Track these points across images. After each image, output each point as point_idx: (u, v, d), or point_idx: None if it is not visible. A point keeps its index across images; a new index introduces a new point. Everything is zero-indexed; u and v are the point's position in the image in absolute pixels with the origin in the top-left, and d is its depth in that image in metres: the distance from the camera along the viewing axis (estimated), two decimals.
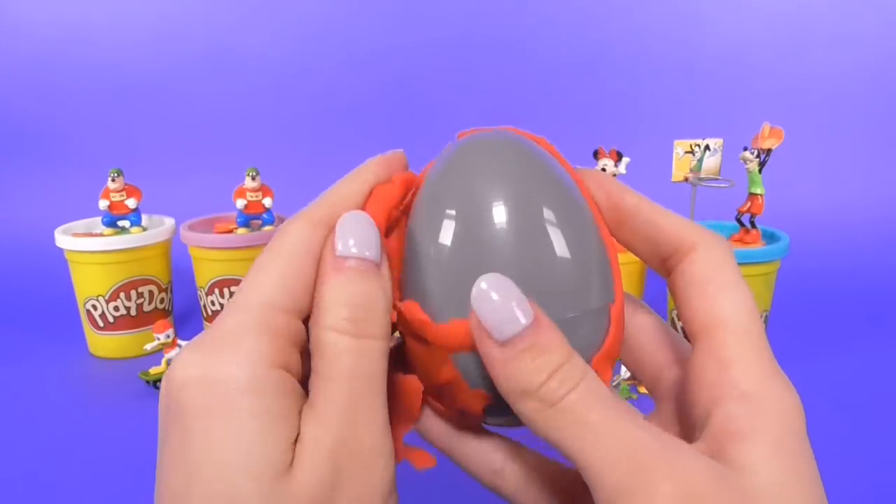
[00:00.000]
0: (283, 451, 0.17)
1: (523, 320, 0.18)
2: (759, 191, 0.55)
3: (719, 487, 0.17)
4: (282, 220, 0.67)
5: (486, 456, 0.24)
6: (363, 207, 0.22)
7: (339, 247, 0.20)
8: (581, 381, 0.18)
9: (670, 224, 0.22)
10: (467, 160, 0.23)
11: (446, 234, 0.21)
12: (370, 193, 0.23)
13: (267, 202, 0.64)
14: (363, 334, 0.19)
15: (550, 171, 0.22)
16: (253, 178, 0.63)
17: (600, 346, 0.21)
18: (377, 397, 0.19)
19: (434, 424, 0.25)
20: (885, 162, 0.93)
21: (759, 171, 0.55)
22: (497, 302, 0.18)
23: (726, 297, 0.20)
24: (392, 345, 0.22)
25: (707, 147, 0.57)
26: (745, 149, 0.55)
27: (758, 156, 0.54)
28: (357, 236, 0.20)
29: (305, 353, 0.20)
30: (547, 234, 0.21)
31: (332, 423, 0.18)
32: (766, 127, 0.54)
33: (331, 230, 0.21)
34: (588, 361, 0.20)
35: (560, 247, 0.21)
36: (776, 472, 0.18)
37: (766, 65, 0.93)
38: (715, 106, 0.93)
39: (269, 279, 0.20)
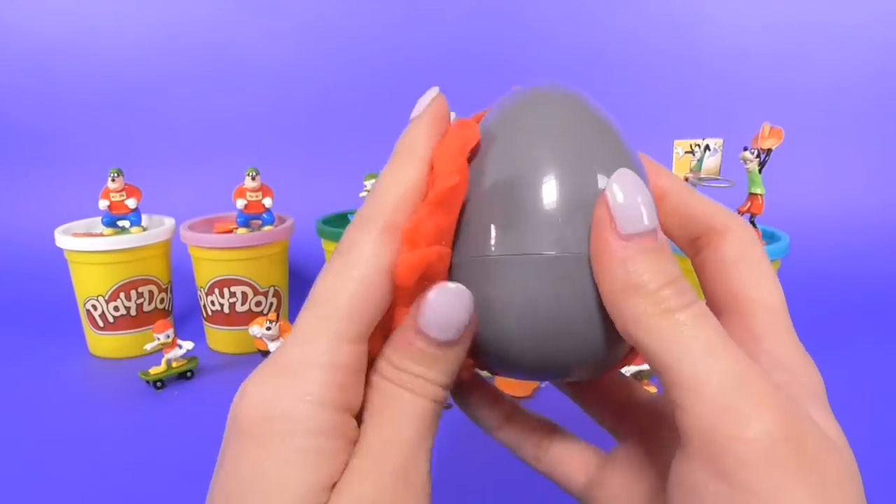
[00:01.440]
0: (323, 487, 0.18)
1: (652, 222, 0.18)
2: (759, 191, 0.55)
3: (815, 433, 0.17)
4: (282, 220, 0.67)
5: (529, 434, 0.26)
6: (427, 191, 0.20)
7: (434, 333, 0.19)
8: (696, 301, 0.18)
9: (704, 206, 0.23)
10: (531, 118, 0.22)
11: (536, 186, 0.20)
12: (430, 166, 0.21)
13: (267, 202, 0.64)
14: (419, 392, 0.19)
15: (615, 136, 0.22)
16: (253, 178, 0.63)
17: None
18: (423, 454, 0.19)
19: (484, 411, 0.26)
20: (885, 162, 0.93)
21: (759, 171, 0.55)
22: (631, 196, 0.18)
23: (757, 277, 0.21)
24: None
25: (707, 147, 0.57)
26: (745, 149, 0.55)
27: (758, 156, 0.54)
28: (449, 316, 0.19)
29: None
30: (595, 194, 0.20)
31: (379, 466, 0.18)
32: (766, 127, 0.54)
33: (401, 241, 0.19)
34: None
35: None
36: (831, 433, 0.18)
37: (766, 65, 0.93)
38: (715, 106, 0.93)
39: (338, 304, 0.19)
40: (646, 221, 0.18)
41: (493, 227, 0.20)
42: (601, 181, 0.20)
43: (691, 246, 0.23)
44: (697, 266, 0.23)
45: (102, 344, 0.64)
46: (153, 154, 0.92)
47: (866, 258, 0.84)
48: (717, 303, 0.22)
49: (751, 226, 0.23)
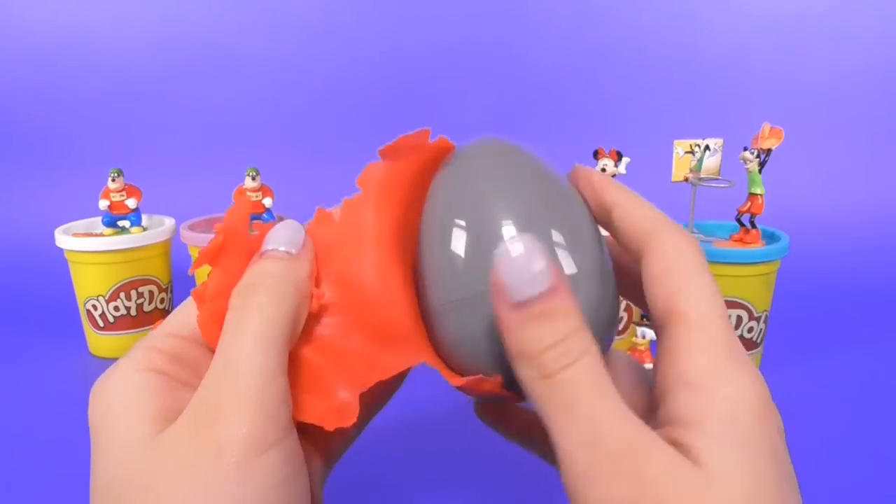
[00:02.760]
0: (153, 417, 0.20)
1: (540, 286, 0.18)
2: (759, 191, 0.55)
3: (673, 486, 0.17)
4: (282, 221, 0.67)
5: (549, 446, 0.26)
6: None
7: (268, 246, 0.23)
8: (580, 358, 0.18)
9: (638, 217, 0.22)
10: (477, 170, 0.24)
11: (458, 244, 0.22)
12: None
13: (267, 202, 0.64)
14: (274, 295, 0.21)
15: (557, 185, 0.23)
16: (253, 178, 0.63)
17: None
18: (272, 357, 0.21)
19: (503, 427, 0.27)
20: (885, 162, 0.93)
21: (759, 171, 0.55)
22: (518, 263, 0.18)
23: (684, 287, 0.20)
24: None
25: (707, 147, 0.57)
26: (745, 149, 0.55)
27: (758, 156, 0.54)
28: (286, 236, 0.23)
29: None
30: (555, 256, 0.22)
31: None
32: (766, 127, 0.54)
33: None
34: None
35: (568, 267, 0.22)
36: (725, 462, 0.17)
37: (766, 65, 0.93)
38: (715, 106, 0.93)
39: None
40: (532, 290, 0.18)
41: (427, 279, 0.23)
42: (505, 227, 0.22)
43: (636, 258, 0.23)
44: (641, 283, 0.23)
45: (102, 344, 0.64)
46: (153, 154, 0.92)
47: (866, 258, 0.84)
48: (655, 319, 0.21)
49: (683, 229, 0.22)
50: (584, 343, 0.19)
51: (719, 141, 0.58)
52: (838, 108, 0.93)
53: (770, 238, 0.58)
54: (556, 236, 0.22)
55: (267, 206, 0.64)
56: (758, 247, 0.55)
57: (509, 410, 0.26)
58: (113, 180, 0.62)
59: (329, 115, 0.93)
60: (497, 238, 0.21)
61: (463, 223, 0.22)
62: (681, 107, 0.93)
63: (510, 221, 0.22)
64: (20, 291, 0.79)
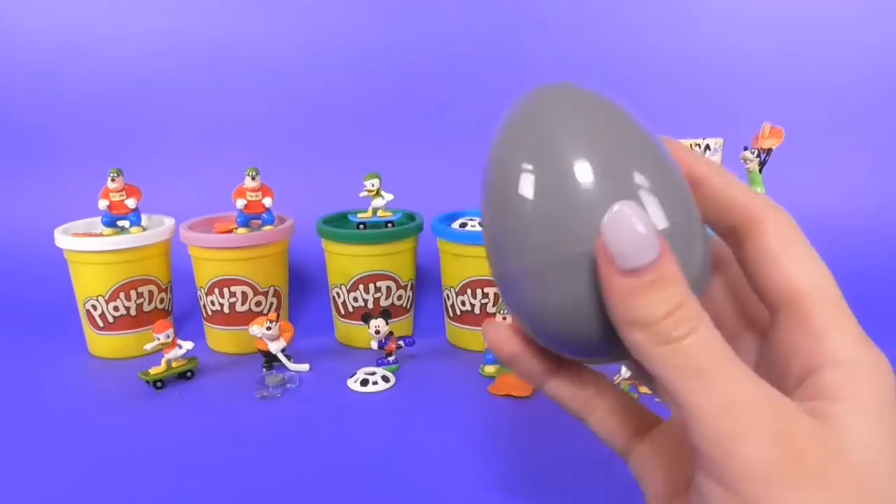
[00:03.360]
0: None
1: (650, 255, 0.18)
2: (759, 191, 0.55)
3: (819, 447, 0.17)
4: (282, 220, 0.67)
5: (578, 391, 0.25)
6: None
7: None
8: (699, 326, 0.18)
9: (740, 195, 0.23)
10: (547, 111, 0.22)
11: (527, 188, 0.21)
12: None
13: (267, 202, 0.64)
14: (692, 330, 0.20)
15: (639, 129, 0.22)
16: (253, 178, 0.63)
17: None
18: None
19: (532, 364, 0.25)
20: (885, 162, 0.93)
21: (760, 171, 0.55)
22: (627, 230, 0.18)
23: (804, 267, 0.21)
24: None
25: (707, 147, 0.57)
26: (746, 149, 0.55)
27: (758, 156, 0.54)
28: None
29: None
30: (640, 202, 0.20)
31: None
32: (766, 127, 0.54)
33: None
34: None
35: (656, 214, 0.20)
36: (874, 436, 0.18)
37: (766, 65, 0.93)
38: (715, 106, 0.93)
39: None
40: (642, 259, 0.18)
41: (500, 240, 0.22)
42: (593, 177, 0.20)
43: (730, 234, 0.23)
44: (740, 260, 0.23)
45: (102, 344, 0.64)
46: (153, 154, 0.92)
47: (866, 258, 0.84)
48: (767, 297, 0.22)
49: (787, 213, 0.22)
50: (698, 309, 0.19)
51: (719, 141, 0.58)
52: (838, 108, 0.93)
53: None
54: (644, 181, 0.20)
55: (267, 205, 0.64)
56: None
57: (585, 374, 0.26)
58: (113, 180, 0.62)
59: (329, 114, 0.93)
60: (585, 190, 0.20)
61: (540, 174, 0.20)
62: (681, 107, 0.93)
63: (596, 170, 0.20)
64: (20, 291, 0.79)
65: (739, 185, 0.23)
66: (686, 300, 0.19)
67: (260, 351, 0.59)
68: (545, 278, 0.20)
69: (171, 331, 0.57)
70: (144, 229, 0.63)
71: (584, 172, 0.20)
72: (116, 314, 0.63)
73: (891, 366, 0.20)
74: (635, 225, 0.18)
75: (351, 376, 0.57)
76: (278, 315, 0.60)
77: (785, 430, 0.17)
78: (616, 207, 0.19)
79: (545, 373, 0.25)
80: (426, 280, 0.75)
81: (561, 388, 0.25)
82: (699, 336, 0.18)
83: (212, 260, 0.63)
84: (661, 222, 0.20)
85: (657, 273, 0.18)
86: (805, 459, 0.17)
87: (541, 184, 0.20)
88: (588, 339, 0.21)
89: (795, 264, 0.21)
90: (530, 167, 0.21)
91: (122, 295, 0.63)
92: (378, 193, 0.65)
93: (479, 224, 0.21)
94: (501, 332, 0.25)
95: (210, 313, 0.65)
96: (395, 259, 0.65)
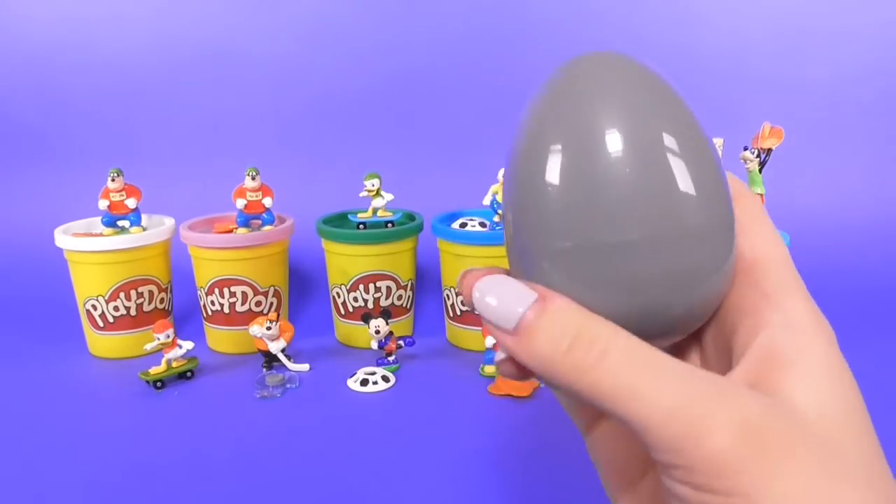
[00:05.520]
0: None
1: (525, 304, 0.19)
2: (759, 190, 0.55)
3: (778, 425, 0.17)
4: (282, 220, 0.67)
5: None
6: None
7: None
8: (609, 344, 0.18)
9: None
10: (574, 82, 0.21)
11: (553, 173, 0.20)
12: None
13: (267, 202, 0.64)
14: None
15: (669, 92, 0.21)
16: (253, 178, 0.63)
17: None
18: None
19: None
20: (885, 162, 0.93)
21: (759, 170, 0.55)
22: (495, 297, 0.19)
23: (763, 235, 0.21)
24: None
25: None
26: (746, 149, 0.55)
27: (758, 155, 0.54)
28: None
29: None
30: (669, 167, 0.19)
31: None
32: (766, 127, 0.54)
33: None
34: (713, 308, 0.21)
35: (684, 181, 0.19)
36: (830, 402, 0.18)
37: (766, 64, 0.93)
38: (715, 106, 0.93)
39: None
40: (520, 311, 0.19)
41: (526, 218, 0.20)
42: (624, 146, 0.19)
43: None
44: None
45: (102, 344, 0.64)
46: (153, 154, 0.92)
47: (866, 258, 0.84)
48: None
49: (751, 192, 0.23)
50: (603, 326, 0.19)
51: (719, 141, 0.58)
52: (838, 108, 0.93)
53: None
54: (670, 140, 0.19)
55: (267, 205, 0.64)
56: None
57: None
58: (113, 180, 0.62)
59: (329, 115, 0.93)
60: (619, 162, 0.19)
61: (570, 151, 0.19)
62: None
63: (613, 129, 0.19)
64: (20, 291, 0.79)
65: None
66: (583, 324, 0.19)
67: (260, 351, 0.59)
68: (574, 259, 0.19)
69: (171, 331, 0.57)
70: (144, 229, 0.63)
71: (619, 160, 0.19)
72: (116, 314, 0.63)
73: (833, 331, 0.20)
74: (499, 288, 0.19)
75: (351, 376, 0.57)
76: (278, 315, 0.60)
77: (739, 416, 0.17)
78: (475, 287, 0.20)
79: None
80: (426, 280, 0.75)
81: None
82: (614, 355, 0.18)
83: (212, 260, 0.63)
84: (695, 215, 0.19)
85: (541, 311, 0.19)
86: (768, 440, 0.17)
87: (567, 169, 0.20)
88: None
89: (754, 233, 0.21)
90: (559, 147, 0.20)
91: (122, 295, 0.63)
92: (378, 193, 0.65)
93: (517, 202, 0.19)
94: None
95: (210, 313, 0.65)
96: (394, 259, 0.65)
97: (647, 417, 0.17)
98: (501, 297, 0.19)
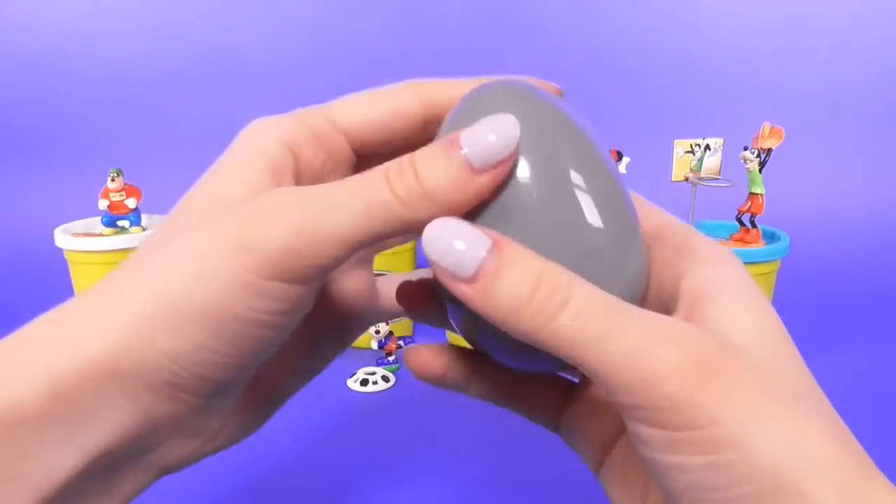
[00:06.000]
0: (266, 180, 0.21)
1: (482, 249, 0.18)
2: (759, 190, 0.55)
3: (724, 355, 0.18)
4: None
5: (500, 381, 0.26)
6: None
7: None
8: (572, 290, 0.18)
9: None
10: (486, 110, 0.21)
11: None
12: None
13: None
14: (401, 194, 0.19)
15: (576, 128, 0.22)
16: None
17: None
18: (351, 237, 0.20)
19: (460, 376, 0.26)
20: (885, 162, 0.93)
21: (760, 170, 0.55)
22: (449, 242, 0.18)
23: (654, 210, 0.24)
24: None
25: (707, 147, 0.57)
26: (745, 148, 0.55)
27: (758, 155, 0.55)
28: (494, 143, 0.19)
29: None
30: (576, 200, 0.20)
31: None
32: (766, 127, 0.54)
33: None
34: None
35: (591, 214, 0.20)
36: (751, 328, 0.19)
37: (766, 65, 0.93)
38: (715, 106, 0.93)
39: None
40: (478, 256, 0.18)
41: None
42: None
43: None
44: None
45: None
46: (153, 154, 0.92)
47: (866, 258, 0.84)
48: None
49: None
50: (563, 272, 0.18)
51: (719, 141, 0.58)
52: (838, 109, 0.94)
53: (770, 238, 0.58)
54: (576, 177, 0.20)
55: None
56: (758, 246, 0.55)
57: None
58: (112, 180, 0.62)
59: None
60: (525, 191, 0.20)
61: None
62: (681, 107, 0.93)
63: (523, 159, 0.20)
64: (20, 291, 0.79)
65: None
66: (544, 270, 0.18)
67: None
68: None
69: None
70: (144, 229, 0.63)
71: (522, 173, 0.20)
72: None
73: (742, 263, 0.21)
74: (452, 233, 0.18)
75: (351, 376, 0.57)
76: None
77: (694, 354, 0.17)
78: (427, 230, 0.18)
79: (469, 378, 0.26)
80: None
81: (483, 384, 0.26)
82: (577, 302, 0.18)
83: None
84: (597, 223, 0.20)
85: (500, 257, 0.18)
86: (720, 374, 0.17)
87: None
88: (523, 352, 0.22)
89: (651, 212, 0.23)
90: None
91: None
92: None
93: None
94: (422, 356, 0.25)
95: None
96: (395, 259, 0.65)
97: (609, 363, 0.18)
98: (455, 242, 0.18)
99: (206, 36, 0.93)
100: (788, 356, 0.19)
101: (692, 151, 0.57)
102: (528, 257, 0.18)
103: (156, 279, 0.19)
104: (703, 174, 0.57)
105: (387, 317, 0.29)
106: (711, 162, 0.57)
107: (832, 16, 0.92)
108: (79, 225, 0.67)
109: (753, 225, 0.57)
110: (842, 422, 0.19)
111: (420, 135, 0.24)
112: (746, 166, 0.55)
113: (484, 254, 0.18)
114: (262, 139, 0.22)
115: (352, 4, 0.93)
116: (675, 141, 0.57)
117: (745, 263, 0.54)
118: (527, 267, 0.18)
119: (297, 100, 0.99)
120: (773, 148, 0.54)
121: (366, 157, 0.25)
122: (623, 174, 0.57)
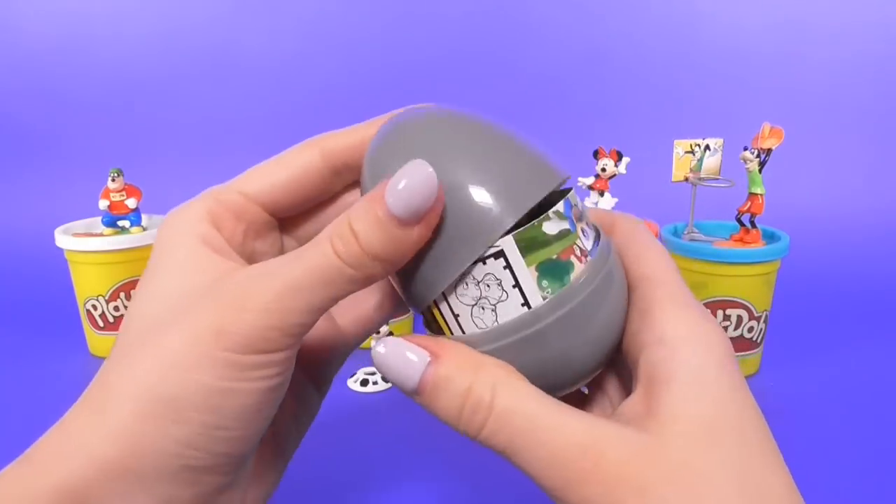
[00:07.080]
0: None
1: (420, 366, 0.20)
2: (759, 191, 0.55)
3: (642, 463, 0.18)
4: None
5: None
6: None
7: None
8: (497, 396, 0.20)
9: (596, 215, 0.26)
10: (404, 136, 0.23)
11: None
12: None
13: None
14: (342, 252, 0.20)
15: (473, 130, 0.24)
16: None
17: None
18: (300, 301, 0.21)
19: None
20: (885, 162, 0.93)
21: (759, 170, 0.55)
22: (394, 360, 0.21)
23: (643, 257, 0.23)
24: None
25: (707, 147, 0.57)
26: (745, 149, 0.55)
27: (758, 156, 0.54)
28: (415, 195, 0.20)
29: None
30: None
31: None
32: (766, 127, 0.54)
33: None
34: None
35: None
36: (691, 423, 0.19)
37: (766, 65, 0.93)
38: (715, 106, 0.93)
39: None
40: (416, 372, 0.20)
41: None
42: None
43: None
44: None
45: (102, 344, 0.64)
46: (153, 154, 0.92)
47: (866, 258, 0.84)
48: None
49: (633, 217, 0.26)
50: (487, 386, 0.20)
51: (719, 141, 0.58)
52: (838, 108, 0.94)
53: (770, 238, 0.58)
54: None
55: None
56: (758, 246, 0.55)
57: None
58: (113, 180, 0.62)
59: (328, 115, 0.93)
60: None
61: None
62: (681, 107, 0.93)
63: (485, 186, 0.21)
64: (20, 291, 0.79)
65: (602, 212, 0.26)
66: (473, 380, 0.20)
67: None
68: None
69: None
70: (144, 229, 0.63)
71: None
72: (117, 314, 0.63)
73: (717, 333, 0.21)
74: (394, 354, 0.21)
75: (351, 376, 0.57)
76: None
77: (615, 459, 0.18)
78: (375, 348, 0.21)
79: None
80: None
81: None
82: (500, 415, 0.20)
83: None
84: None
85: (435, 376, 0.20)
86: (639, 482, 0.18)
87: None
88: None
89: (636, 255, 0.23)
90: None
91: (122, 295, 0.63)
92: None
93: None
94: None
95: None
96: None
97: (532, 469, 0.19)
98: (396, 362, 0.20)
99: (207, 36, 0.93)
100: (722, 458, 0.19)
101: (692, 151, 0.57)
102: (461, 370, 0.20)
103: (150, 377, 0.20)
104: (703, 174, 0.57)
105: (353, 345, 0.30)
106: (711, 162, 0.57)
107: (832, 16, 0.92)
108: (79, 225, 0.67)
109: (753, 225, 0.57)
110: None
111: (332, 184, 0.26)
112: (746, 166, 0.55)
113: (421, 371, 0.20)
114: (188, 224, 0.25)
115: (352, 4, 0.93)
116: (675, 141, 0.57)
117: (746, 263, 0.54)
118: (457, 384, 0.20)
119: (297, 100, 1.00)
120: (773, 148, 0.54)
121: (285, 217, 0.27)
122: (623, 174, 0.57)
